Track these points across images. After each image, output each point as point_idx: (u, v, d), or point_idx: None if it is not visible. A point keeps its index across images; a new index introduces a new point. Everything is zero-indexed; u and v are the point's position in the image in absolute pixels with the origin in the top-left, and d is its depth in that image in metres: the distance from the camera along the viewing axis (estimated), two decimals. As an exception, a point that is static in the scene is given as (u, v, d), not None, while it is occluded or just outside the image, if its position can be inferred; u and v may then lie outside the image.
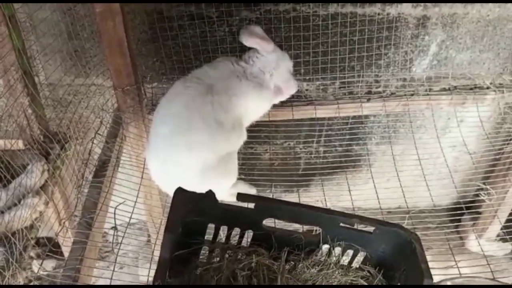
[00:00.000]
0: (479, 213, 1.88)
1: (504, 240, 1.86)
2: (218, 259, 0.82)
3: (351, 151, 1.81)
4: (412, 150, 1.58)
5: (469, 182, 1.82)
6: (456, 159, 1.85)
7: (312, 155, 1.82)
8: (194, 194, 0.78)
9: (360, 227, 0.83)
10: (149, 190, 1.51)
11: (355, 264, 0.83)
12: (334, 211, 0.82)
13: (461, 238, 1.91)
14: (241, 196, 0.79)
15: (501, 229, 1.80)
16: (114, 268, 1.72)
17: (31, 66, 1.18)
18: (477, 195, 1.80)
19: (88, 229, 1.04)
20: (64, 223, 1.13)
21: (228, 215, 0.81)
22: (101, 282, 1.95)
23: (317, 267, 0.80)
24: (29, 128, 1.25)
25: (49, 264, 1.86)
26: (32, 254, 2.07)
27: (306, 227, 0.99)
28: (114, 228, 1.25)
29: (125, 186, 1.29)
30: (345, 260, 0.83)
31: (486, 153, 1.69)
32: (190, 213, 0.78)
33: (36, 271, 2.07)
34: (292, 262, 0.81)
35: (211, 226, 0.83)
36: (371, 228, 0.81)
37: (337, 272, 0.80)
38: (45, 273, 1.86)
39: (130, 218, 1.22)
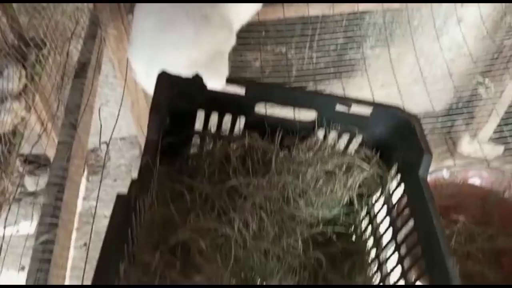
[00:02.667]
0: (473, 117, 1.87)
1: (496, 142, 1.86)
2: (210, 146, 0.79)
3: (345, 56, 1.75)
4: (408, 53, 1.53)
5: (465, 83, 1.78)
6: (452, 61, 1.79)
7: (305, 62, 1.75)
8: (180, 78, 0.73)
9: (357, 112, 0.80)
10: (136, 98, 1.45)
11: (351, 148, 0.81)
12: (330, 94, 0.78)
13: (453, 142, 1.91)
14: (230, 80, 0.74)
15: (494, 131, 1.80)
16: (101, 179, 1.70)
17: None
18: (472, 96, 1.77)
19: (73, 129, 1.00)
20: (46, 125, 1.09)
21: (217, 101, 0.76)
22: (95, 194, 1.95)
23: (312, 151, 0.77)
24: (1, 31, 1.15)
25: (42, 180, 1.85)
26: (22, 170, 2.05)
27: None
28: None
29: (108, 88, 1.23)
30: (341, 144, 0.81)
31: (485, 52, 1.64)
32: (177, 99, 0.73)
33: (29, 188, 2.06)
34: (286, 148, 0.78)
35: (200, 116, 0.78)
36: (368, 112, 0.78)
37: (333, 155, 0.77)
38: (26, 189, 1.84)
39: (114, 127, 1.18)
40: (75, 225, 1.64)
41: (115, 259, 0.54)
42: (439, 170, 1.00)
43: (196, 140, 0.80)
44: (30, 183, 1.98)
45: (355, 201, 0.78)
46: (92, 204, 1.77)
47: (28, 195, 1.99)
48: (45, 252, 0.84)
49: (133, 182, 0.61)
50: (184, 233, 0.59)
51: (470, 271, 0.84)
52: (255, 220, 0.66)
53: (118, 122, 1.19)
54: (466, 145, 1.82)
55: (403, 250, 0.72)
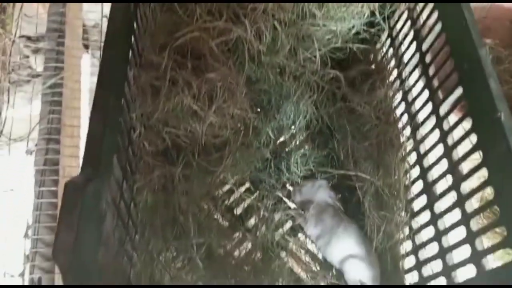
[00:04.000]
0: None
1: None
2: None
3: None
4: None
5: None
6: None
7: None
8: None
9: None
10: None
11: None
12: None
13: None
14: None
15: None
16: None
17: None
18: None
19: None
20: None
21: None
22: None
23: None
24: None
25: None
26: (27, 52, 2.00)
27: None
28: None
29: None
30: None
31: None
32: None
33: (37, 69, 2.03)
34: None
35: None
36: None
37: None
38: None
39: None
40: (87, 100, 1.62)
41: (119, 62, 0.51)
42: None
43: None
44: (37, 64, 1.94)
45: (377, 13, 0.71)
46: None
47: (37, 76, 1.96)
48: (54, 95, 0.82)
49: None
50: (192, 32, 0.54)
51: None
52: (268, 29, 0.61)
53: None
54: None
55: (428, 58, 0.67)
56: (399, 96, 0.73)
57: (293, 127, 0.75)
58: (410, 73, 0.71)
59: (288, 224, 0.74)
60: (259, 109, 0.75)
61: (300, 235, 0.74)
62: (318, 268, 0.71)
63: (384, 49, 0.77)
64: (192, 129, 0.55)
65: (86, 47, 1.96)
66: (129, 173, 0.55)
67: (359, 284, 0.65)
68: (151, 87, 0.53)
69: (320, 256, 0.72)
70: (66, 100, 0.81)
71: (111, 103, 0.47)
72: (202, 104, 0.52)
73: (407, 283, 0.67)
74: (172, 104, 0.51)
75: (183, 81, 0.51)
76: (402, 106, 0.72)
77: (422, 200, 0.66)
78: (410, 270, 0.67)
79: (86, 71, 1.86)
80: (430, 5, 0.66)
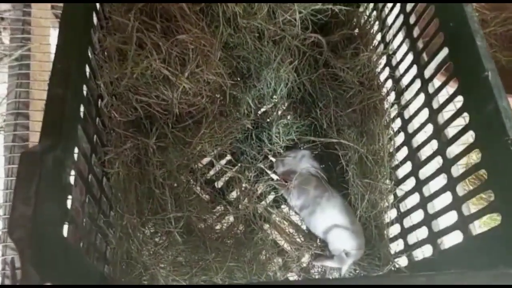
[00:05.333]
0: None
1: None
2: None
3: None
4: None
5: None
6: None
7: None
8: None
9: None
10: None
11: None
12: None
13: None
14: None
15: None
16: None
17: None
18: None
19: None
20: None
21: None
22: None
23: None
24: None
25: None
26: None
27: None
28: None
29: None
30: None
31: None
32: None
33: (4, 42, 1.94)
34: None
35: None
36: None
37: None
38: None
39: None
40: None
41: (81, 24, 0.47)
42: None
43: None
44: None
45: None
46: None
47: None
48: (22, 68, 0.78)
49: None
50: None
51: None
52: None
53: None
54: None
55: (412, 19, 0.64)
56: (383, 60, 0.70)
57: (274, 96, 0.72)
58: (394, 36, 0.68)
59: (271, 196, 0.72)
60: (238, 78, 0.72)
61: (283, 206, 0.72)
62: (302, 239, 0.69)
63: (368, 12, 0.74)
64: (165, 97, 0.52)
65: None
66: (99, 145, 0.52)
67: (343, 254, 0.64)
68: (118, 52, 0.49)
69: (304, 227, 0.71)
70: (35, 72, 0.76)
71: (73, 68, 0.44)
72: (173, 68, 0.49)
73: (392, 251, 0.66)
74: (140, 69, 0.48)
75: (151, 44, 0.48)
76: (386, 70, 0.69)
77: (407, 167, 0.65)
78: (395, 238, 0.66)
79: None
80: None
